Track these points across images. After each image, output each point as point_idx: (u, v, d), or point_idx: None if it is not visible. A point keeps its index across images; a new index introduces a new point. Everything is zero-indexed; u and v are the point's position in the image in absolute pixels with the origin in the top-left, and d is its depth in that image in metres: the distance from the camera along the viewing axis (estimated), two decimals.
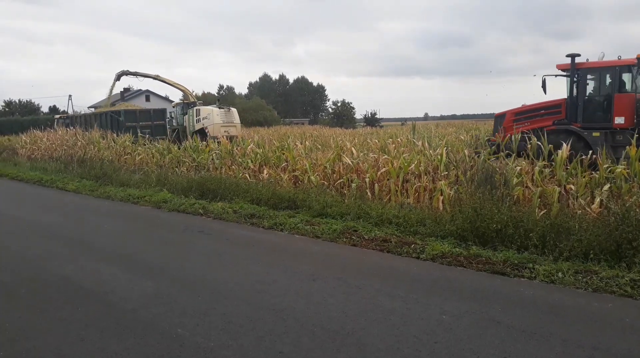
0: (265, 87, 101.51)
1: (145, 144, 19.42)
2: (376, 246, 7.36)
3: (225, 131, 23.72)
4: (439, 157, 10.30)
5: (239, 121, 26.72)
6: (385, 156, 10.85)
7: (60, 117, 35.63)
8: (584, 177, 8.71)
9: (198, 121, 25.62)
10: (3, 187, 16.82)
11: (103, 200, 12.81)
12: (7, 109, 78.87)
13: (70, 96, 43.00)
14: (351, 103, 78.19)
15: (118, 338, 4.45)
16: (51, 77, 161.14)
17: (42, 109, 77.33)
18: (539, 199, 8.13)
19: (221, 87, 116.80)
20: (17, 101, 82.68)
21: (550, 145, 10.53)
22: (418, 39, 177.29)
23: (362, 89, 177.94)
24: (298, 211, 9.65)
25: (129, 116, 26.36)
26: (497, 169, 9.22)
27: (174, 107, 29.38)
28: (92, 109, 39.40)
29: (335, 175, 11.40)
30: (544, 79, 13.63)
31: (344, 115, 75.61)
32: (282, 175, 12.23)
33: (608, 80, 13.08)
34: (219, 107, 25.86)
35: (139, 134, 22.67)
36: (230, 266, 6.70)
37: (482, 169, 9.32)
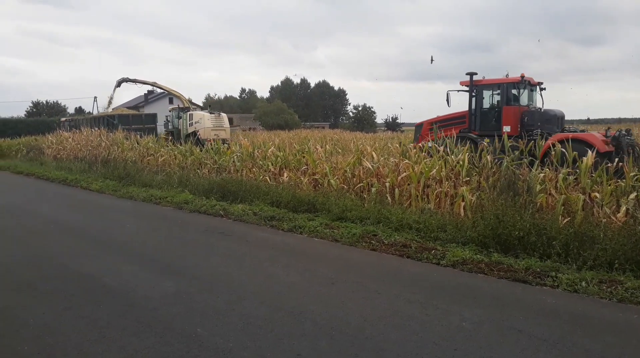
0: (286, 91, 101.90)
1: (167, 146, 19.70)
2: (396, 251, 7.32)
3: (215, 134, 25.14)
4: (461, 162, 10.20)
5: (228, 125, 28.28)
6: (406, 161, 10.78)
7: (65, 120, 39.04)
8: (609, 185, 8.53)
9: (191, 124, 27.15)
10: (30, 186, 17.21)
11: (126, 200, 13.01)
12: (34, 110, 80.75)
13: (95, 97, 44.00)
14: (372, 107, 78.03)
15: (138, 337, 4.51)
16: (77, 79, 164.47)
17: (68, 110, 78.92)
18: (563, 207, 7.98)
19: (243, 90, 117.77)
20: (44, 102, 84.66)
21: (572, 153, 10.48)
22: (439, 43, 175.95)
23: (383, 93, 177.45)
24: (317, 215, 9.66)
25: (123, 119, 29.98)
26: (520, 176, 9.11)
27: (170, 111, 30.88)
28: (126, 109, 41.45)
29: (355, 179, 11.38)
30: (448, 93, 15.80)
31: (364, 119, 75.49)
32: (302, 178, 12.26)
33: (498, 95, 15.26)
34: (210, 113, 27.52)
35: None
36: (250, 267, 6.74)
37: (504, 175, 9.21)
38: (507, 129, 14.46)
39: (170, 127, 29.84)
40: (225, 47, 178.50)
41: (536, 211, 7.98)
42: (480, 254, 6.91)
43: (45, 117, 57.20)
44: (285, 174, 12.77)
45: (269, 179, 12.79)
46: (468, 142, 13.58)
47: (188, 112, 28.16)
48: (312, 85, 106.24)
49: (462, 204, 8.81)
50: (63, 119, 41.01)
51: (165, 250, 7.71)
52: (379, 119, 77.90)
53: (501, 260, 6.64)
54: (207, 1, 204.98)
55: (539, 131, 14.12)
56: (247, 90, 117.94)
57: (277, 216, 9.72)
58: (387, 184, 10.28)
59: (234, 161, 14.95)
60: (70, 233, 9.08)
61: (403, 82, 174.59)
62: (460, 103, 15.32)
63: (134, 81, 31.39)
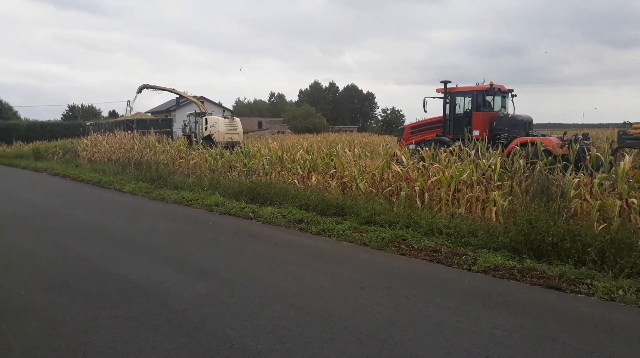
0: (315, 95, 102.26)
1: (198, 149, 20.02)
2: (426, 256, 7.25)
3: (229, 138, 26.50)
4: (493, 167, 10.03)
5: (241, 129, 29.71)
6: (436, 165, 10.67)
7: (89, 124, 42.31)
8: None
9: (206, 128, 28.46)
10: (66, 187, 17.70)
11: (158, 202, 13.25)
12: (70, 113, 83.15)
13: (128, 101, 44.87)
14: (401, 111, 77.54)
15: (170, 337, 4.58)
16: (111, 83, 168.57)
17: (102, 114, 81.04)
18: (598, 213, 7.78)
19: (272, 94, 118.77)
20: (79, 106, 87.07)
21: (610, 156, 10.21)
22: (468, 47, 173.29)
23: (411, 96, 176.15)
24: (346, 218, 9.65)
25: (141, 123, 32.22)
26: (554, 180, 8.91)
27: (188, 116, 32.57)
28: (149, 114, 43.50)
29: (384, 183, 11.32)
30: (425, 99, 16.96)
31: (393, 123, 75.10)
32: (330, 182, 12.27)
33: (469, 102, 16.54)
34: (224, 117, 28.99)
35: None
36: (279, 270, 6.77)
37: (537, 180, 9.02)
38: (476, 133, 15.72)
39: (187, 131, 31.38)
40: (255, 52, 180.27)
41: (570, 217, 7.80)
42: (512, 260, 6.79)
43: (80, 120, 58.87)
44: (314, 178, 12.80)
45: (297, 183, 12.85)
46: (443, 145, 14.71)
47: (204, 117, 29.56)
48: (341, 89, 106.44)
49: (494, 209, 8.67)
50: (88, 123, 44.01)
51: (196, 252, 7.82)
52: (408, 122, 77.33)
53: (534, 266, 6.51)
54: (238, 8, 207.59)
55: (506, 134, 15.41)
56: (276, 94, 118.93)
57: (305, 219, 9.75)
58: (417, 188, 10.19)
59: (263, 164, 15.07)
60: (104, 234, 9.30)
61: (432, 85, 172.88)
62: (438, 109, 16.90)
63: (154, 88, 33.36)
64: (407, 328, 4.70)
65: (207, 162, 17.55)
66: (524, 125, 15.66)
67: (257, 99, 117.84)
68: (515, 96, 16.87)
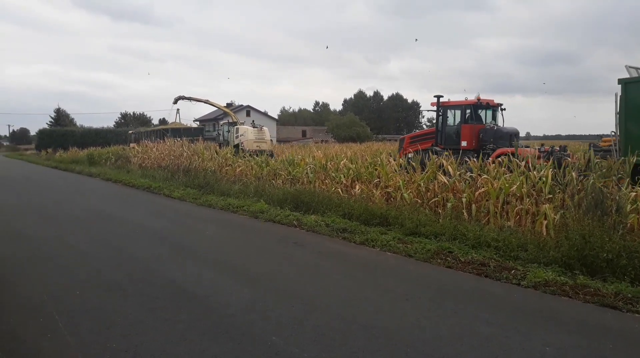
0: (359, 104, 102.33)
1: (244, 157, 20.41)
2: (473, 270, 7.10)
3: (257, 146, 28.03)
4: (544, 179, 9.73)
5: (269, 138, 31.61)
6: (485, 176, 10.45)
7: (131, 132, 46.90)
8: None
9: (237, 137, 30.40)
10: (118, 192, 18.37)
11: (205, 208, 13.56)
12: (122, 121, 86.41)
13: (178, 109, 46.74)
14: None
15: (217, 342, 4.66)
16: (162, 92, 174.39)
17: (152, 121, 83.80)
18: None
19: (317, 103, 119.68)
20: (131, 113, 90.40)
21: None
22: (518, 55, 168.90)
23: None
24: (390, 229, 9.57)
25: (175, 132, 35.16)
26: (609, 194, 8.56)
27: (221, 125, 35.54)
28: (197, 122, 46.38)
29: (429, 193, 11.19)
30: (421, 111, 21.80)
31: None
32: (374, 191, 12.22)
33: (459, 115, 17.91)
34: (253, 127, 30.82)
35: None
36: (323, 279, 6.78)
37: (591, 193, 8.69)
38: (464, 144, 17.27)
39: (220, 139, 33.66)
40: (300, 61, 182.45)
41: (627, 232, 7.47)
42: (564, 276, 6.55)
43: (131, 127, 61.12)
44: (357, 187, 12.79)
45: (340, 191, 12.87)
46: (435, 154, 15.59)
47: (235, 126, 31.78)
48: (385, 98, 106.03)
49: (545, 222, 8.41)
50: (130, 131, 48.56)
51: (242, 258, 7.94)
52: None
53: (587, 283, 6.26)
54: (284, 17, 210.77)
55: (492, 146, 16.55)
56: (320, 103, 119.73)
57: (349, 229, 9.74)
58: (464, 199, 10.01)
59: (307, 173, 15.18)
60: (154, 238, 9.58)
61: (480, 95, 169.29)
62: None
63: (189, 99, 36.23)
64: (454, 343, 4.61)
65: (253, 170, 17.84)
66: (509, 137, 16.68)
67: (302, 108, 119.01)
68: (505, 109, 18.43)
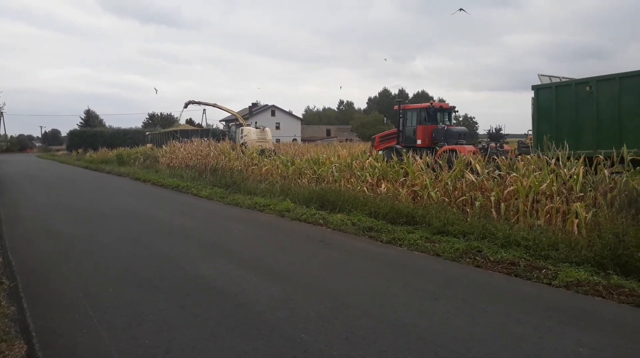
0: (384, 102, 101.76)
1: (270, 157, 20.56)
2: (503, 269, 7.00)
3: (259, 145, 29.82)
4: (575, 177, 9.52)
5: (271, 138, 34.89)
6: (514, 174, 10.29)
7: (148, 134, 50.79)
8: None
9: (242, 137, 33.25)
10: (147, 191, 18.70)
11: (232, 207, 13.69)
12: (150, 121, 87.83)
13: (204, 110, 47.59)
14: (474, 118, 75.49)
15: (246, 338, 4.70)
16: (189, 93, 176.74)
17: (180, 122, 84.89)
18: None
19: (341, 102, 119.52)
20: (159, 114, 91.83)
21: None
22: (548, 52, 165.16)
23: (485, 103, 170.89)
24: (417, 227, 9.50)
25: (184, 133, 38.11)
26: None
27: (230, 126, 39.42)
28: (223, 123, 48.14)
29: (457, 192, 11.06)
30: (384, 117, 26.18)
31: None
32: (400, 190, 12.14)
33: (415, 117, 20.55)
34: (256, 128, 34.34)
35: None
36: (351, 277, 6.78)
37: (624, 191, 8.46)
38: (419, 142, 19.91)
39: (229, 139, 35.71)
40: (325, 61, 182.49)
41: None
42: (597, 275, 6.40)
43: (159, 128, 62.07)
44: (383, 185, 12.73)
45: (366, 190, 12.83)
46: (397, 151, 18.62)
47: (241, 128, 35.03)
48: (411, 96, 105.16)
49: (576, 221, 8.23)
50: (147, 133, 52.21)
51: (270, 256, 8.00)
52: (482, 130, 75.23)
53: (622, 283, 6.11)
54: (309, 17, 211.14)
55: (442, 143, 18.76)
56: (345, 102, 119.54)
57: (375, 228, 9.71)
58: (492, 198, 9.87)
59: (332, 172, 15.18)
60: (184, 236, 9.73)
61: (507, 92, 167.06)
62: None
63: (198, 103, 39.63)
64: (486, 342, 4.55)
65: (279, 169, 17.93)
66: (458, 136, 19.35)
67: (326, 107, 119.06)
68: (457, 111, 21.80)
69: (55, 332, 4.97)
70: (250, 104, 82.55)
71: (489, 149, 16.07)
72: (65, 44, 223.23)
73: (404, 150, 16.71)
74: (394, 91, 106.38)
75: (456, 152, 14.88)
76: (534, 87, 14.02)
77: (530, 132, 14.86)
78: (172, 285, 6.43)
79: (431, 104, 20.49)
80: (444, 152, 16.13)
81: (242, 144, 30.41)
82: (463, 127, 21.14)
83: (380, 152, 19.02)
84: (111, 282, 6.57)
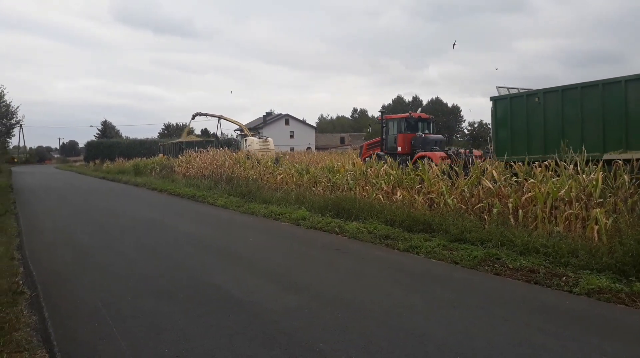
0: (397, 110, 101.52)
1: (284, 165, 20.64)
2: (522, 277, 6.91)
3: (261, 154, 30.89)
4: (594, 182, 9.37)
5: (273, 147, 37.41)
6: (531, 180, 10.17)
7: (161, 144, 52.85)
8: None
9: (246, 146, 36.03)
10: (164, 201, 18.87)
11: (248, 216, 13.74)
12: (165, 132, 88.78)
13: (219, 119, 48.22)
14: (489, 124, 75.03)
15: (264, 348, 4.69)
16: (204, 103, 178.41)
17: (195, 132, 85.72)
18: None
19: (355, 110, 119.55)
20: (174, 124, 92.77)
21: None
22: (561, 57, 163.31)
23: None
24: (434, 235, 9.44)
25: (189, 145, 39.09)
26: None
27: (237, 136, 42.81)
28: (237, 133, 49.94)
29: (473, 199, 10.96)
30: (369, 124, 29.37)
31: (480, 136, 72.70)
32: (416, 197, 12.08)
33: (396, 126, 22.50)
34: (259, 138, 37.60)
35: None
36: (368, 286, 6.75)
37: None
38: (399, 149, 21.73)
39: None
40: (337, 69, 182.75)
41: None
42: (619, 283, 6.29)
43: (175, 138, 62.74)
44: (399, 193, 12.67)
45: (382, 198, 12.78)
46: (381, 158, 19.50)
47: (245, 138, 37.93)
48: (425, 103, 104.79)
49: (596, 228, 8.09)
50: (160, 144, 54.80)
51: (286, 265, 8.00)
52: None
53: None
54: (320, 26, 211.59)
55: (420, 151, 20.52)
56: (358, 110, 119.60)
57: (391, 236, 9.66)
58: (510, 205, 9.76)
59: (347, 180, 15.16)
60: (200, 245, 9.78)
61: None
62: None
63: (205, 115, 43.25)
64: (507, 352, 4.49)
65: (293, 177, 17.97)
66: (434, 143, 21.30)
67: (340, 116, 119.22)
68: (435, 121, 24.40)
69: (75, 340, 5.01)
70: (264, 114, 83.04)
71: (459, 154, 17.09)
72: (80, 56, 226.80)
73: (387, 156, 18.75)
74: (408, 98, 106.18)
75: (428, 157, 17.04)
76: (492, 99, 15.10)
77: (489, 138, 16.65)
78: (189, 294, 6.45)
79: (410, 114, 22.39)
80: (418, 158, 18.49)
81: (246, 153, 31.68)
82: (439, 136, 23.60)
83: (367, 159, 19.98)
84: (129, 291, 6.62)
